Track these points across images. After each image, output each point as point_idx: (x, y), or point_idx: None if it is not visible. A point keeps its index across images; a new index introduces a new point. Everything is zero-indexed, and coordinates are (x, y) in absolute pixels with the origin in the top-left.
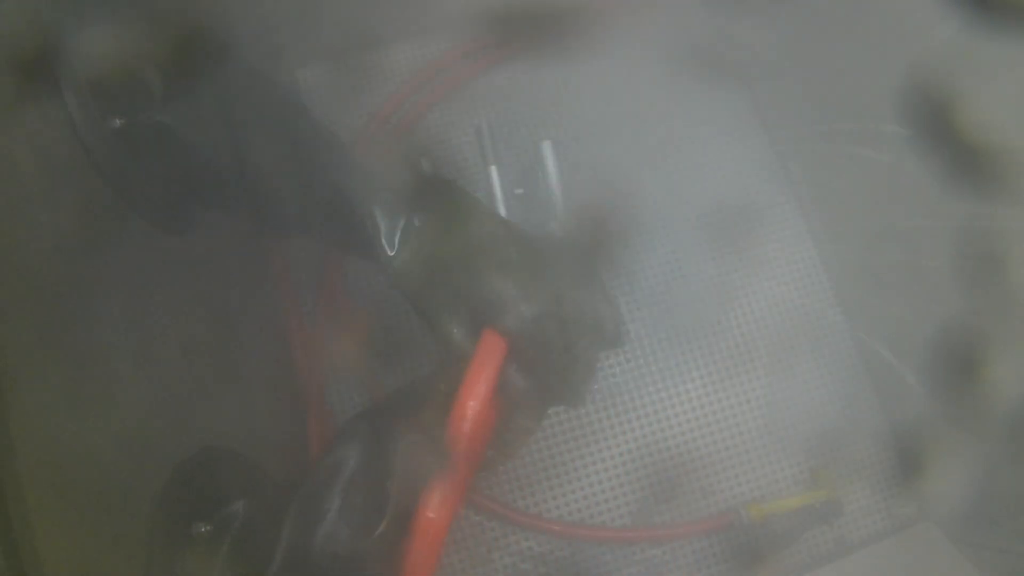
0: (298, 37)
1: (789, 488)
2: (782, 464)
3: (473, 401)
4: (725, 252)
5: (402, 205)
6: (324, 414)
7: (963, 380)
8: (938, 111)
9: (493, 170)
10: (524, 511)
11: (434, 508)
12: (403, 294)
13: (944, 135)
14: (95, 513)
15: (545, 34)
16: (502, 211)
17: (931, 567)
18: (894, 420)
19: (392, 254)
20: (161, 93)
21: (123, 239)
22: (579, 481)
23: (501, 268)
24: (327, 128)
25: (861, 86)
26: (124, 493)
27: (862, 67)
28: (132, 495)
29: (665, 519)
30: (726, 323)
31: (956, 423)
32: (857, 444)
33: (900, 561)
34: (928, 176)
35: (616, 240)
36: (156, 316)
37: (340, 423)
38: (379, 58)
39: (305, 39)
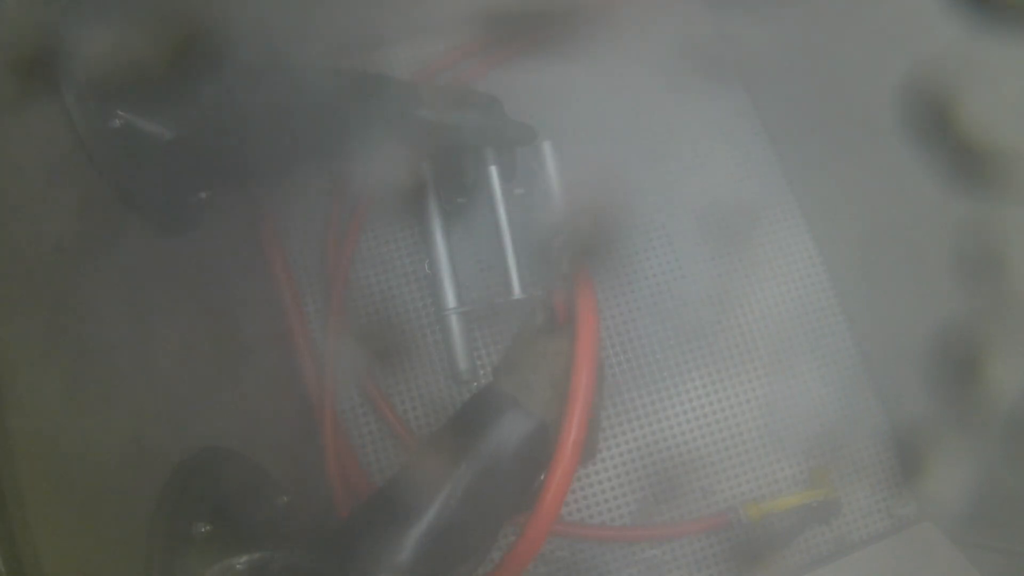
0: (298, 37)
1: (789, 488)
2: (782, 464)
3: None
4: (725, 252)
5: None
6: (336, 417)
7: (963, 380)
8: (938, 111)
9: (493, 170)
10: None
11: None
12: None
13: (944, 135)
14: (95, 513)
15: (545, 34)
16: (502, 211)
17: (931, 567)
18: (894, 420)
19: None
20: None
21: (123, 239)
22: (579, 481)
23: None
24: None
25: (861, 86)
26: (124, 493)
27: (862, 67)
28: (132, 495)
29: (665, 519)
30: (726, 323)
31: (956, 423)
32: (857, 444)
33: (900, 561)
34: (928, 176)
35: (616, 240)
36: (156, 316)
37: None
38: (379, 58)
39: (305, 39)
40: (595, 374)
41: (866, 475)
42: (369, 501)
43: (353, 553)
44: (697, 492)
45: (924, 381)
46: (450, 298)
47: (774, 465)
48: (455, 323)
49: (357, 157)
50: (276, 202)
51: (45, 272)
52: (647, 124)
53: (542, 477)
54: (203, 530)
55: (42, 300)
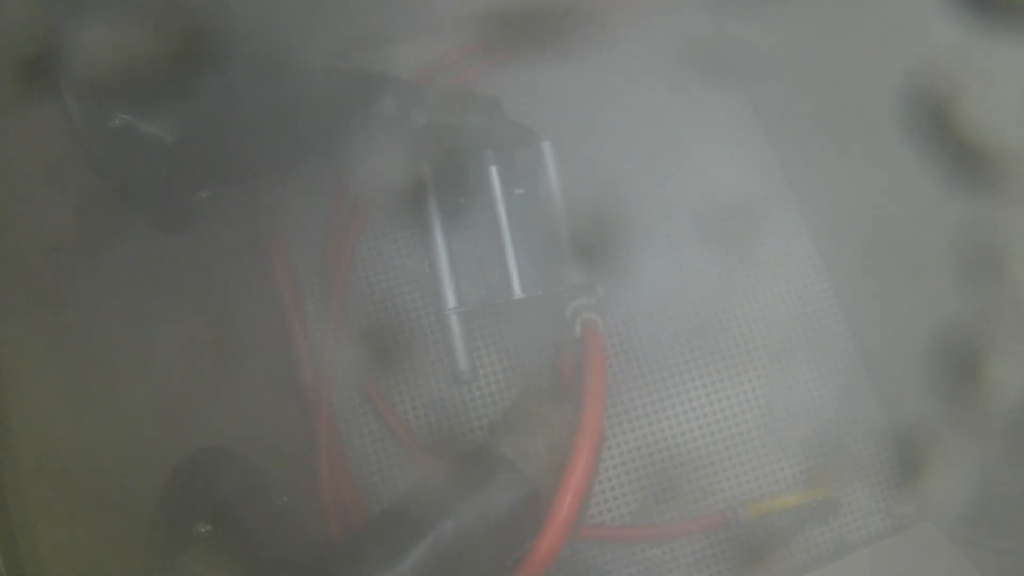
0: (298, 38)
1: (789, 488)
2: (782, 464)
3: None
4: (725, 252)
5: None
6: (331, 417)
7: (963, 380)
8: (938, 111)
9: (493, 170)
10: None
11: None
12: None
13: (944, 135)
14: (95, 513)
15: (545, 34)
16: (502, 211)
17: (931, 567)
18: (894, 420)
19: None
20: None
21: (123, 239)
22: None
23: None
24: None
25: (861, 86)
26: (124, 493)
27: (862, 67)
28: (132, 495)
29: (665, 519)
30: (726, 323)
31: (956, 423)
32: (857, 444)
33: (900, 561)
34: (928, 176)
35: (616, 240)
36: (156, 316)
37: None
38: (379, 59)
39: (306, 40)
40: (596, 454)
41: (866, 475)
42: (349, 542)
43: None
44: (697, 492)
45: (924, 381)
46: (450, 298)
47: (774, 465)
48: (455, 323)
49: (357, 157)
50: (276, 202)
51: (45, 272)
52: (647, 124)
53: (526, 546)
54: (203, 530)
55: (42, 300)
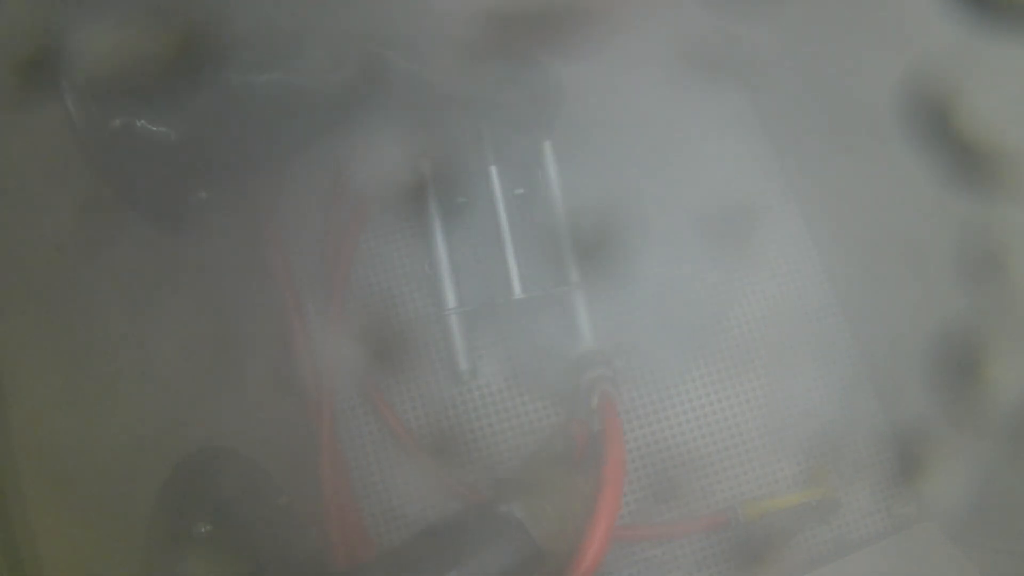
0: (297, 38)
1: (789, 488)
2: (782, 464)
3: None
4: (725, 253)
5: None
6: (331, 417)
7: (963, 380)
8: (938, 111)
9: (493, 170)
10: None
11: None
12: None
13: (944, 135)
14: (95, 513)
15: (545, 34)
16: (502, 211)
17: (931, 567)
18: (894, 420)
19: None
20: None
21: (123, 239)
22: None
23: None
24: None
25: (861, 86)
26: (124, 493)
27: (862, 67)
28: (132, 495)
29: (665, 519)
30: (726, 323)
31: (956, 423)
32: (857, 444)
33: (900, 561)
34: (928, 176)
35: (616, 240)
36: (156, 316)
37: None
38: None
39: (304, 40)
40: (611, 531)
41: (866, 475)
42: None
43: None
44: (697, 492)
45: (924, 381)
46: (450, 298)
47: (774, 465)
48: (455, 323)
49: (358, 156)
50: (276, 202)
51: (45, 272)
52: (647, 124)
53: None
54: (203, 530)
55: (42, 300)
